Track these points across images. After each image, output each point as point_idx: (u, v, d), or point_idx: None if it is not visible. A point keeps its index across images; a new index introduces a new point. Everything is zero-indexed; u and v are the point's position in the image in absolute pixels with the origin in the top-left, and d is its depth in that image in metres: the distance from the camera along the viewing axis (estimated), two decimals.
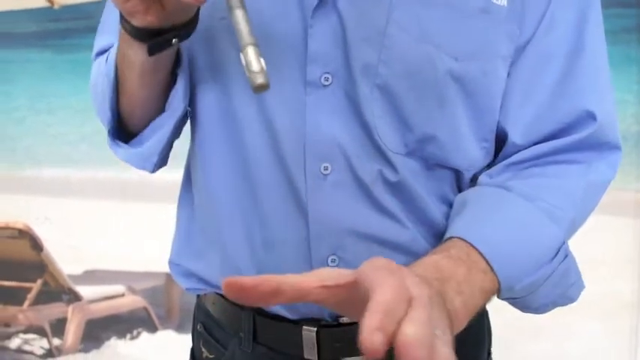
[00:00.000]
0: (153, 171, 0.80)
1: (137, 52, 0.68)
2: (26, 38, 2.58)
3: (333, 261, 0.72)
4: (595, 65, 0.74)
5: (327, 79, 0.69)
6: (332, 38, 0.69)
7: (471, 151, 0.73)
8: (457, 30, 0.69)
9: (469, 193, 0.73)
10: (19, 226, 2.57)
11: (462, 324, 0.56)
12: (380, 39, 0.68)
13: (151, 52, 0.67)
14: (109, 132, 0.78)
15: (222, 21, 0.70)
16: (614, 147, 0.75)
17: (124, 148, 0.78)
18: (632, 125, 1.97)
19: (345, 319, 0.74)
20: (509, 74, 0.72)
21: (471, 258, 0.62)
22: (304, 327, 0.75)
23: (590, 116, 0.72)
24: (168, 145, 0.79)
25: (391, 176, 0.71)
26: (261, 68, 0.51)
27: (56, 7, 2.51)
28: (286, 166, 0.71)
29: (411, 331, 0.41)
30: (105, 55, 0.78)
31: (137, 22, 0.64)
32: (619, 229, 2.01)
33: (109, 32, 0.80)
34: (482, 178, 0.74)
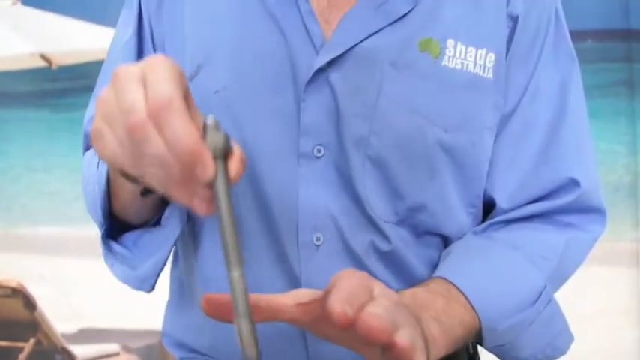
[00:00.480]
0: (150, 291, 0.76)
1: (129, 185, 0.65)
2: (23, 97, 2.60)
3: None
4: (577, 131, 0.76)
5: (319, 151, 0.70)
6: (325, 111, 0.70)
7: (460, 218, 0.74)
8: (446, 102, 0.70)
9: (453, 245, 0.74)
10: (13, 284, 2.55)
11: (439, 351, 0.56)
12: (371, 112, 0.69)
13: (144, 195, 0.65)
14: (102, 236, 0.74)
15: (216, 94, 0.71)
16: (598, 210, 0.77)
17: (119, 262, 0.74)
18: (623, 176, 1.99)
19: None
20: (494, 142, 0.74)
21: (451, 292, 0.63)
22: None
23: (574, 183, 0.74)
24: (164, 265, 0.75)
25: (383, 246, 0.71)
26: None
27: (54, 67, 2.55)
28: (278, 238, 0.71)
29: (375, 309, 0.45)
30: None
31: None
32: (617, 280, 2.01)
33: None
34: (467, 234, 0.75)
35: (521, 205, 0.75)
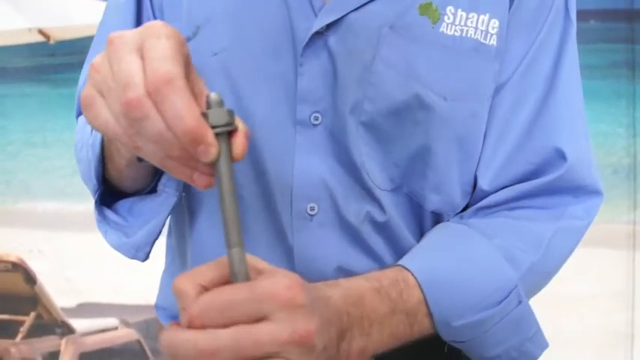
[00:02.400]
0: (144, 260, 0.75)
1: (124, 150, 0.64)
2: (21, 73, 2.59)
3: None
4: (568, 105, 0.73)
5: (316, 119, 0.69)
6: (322, 77, 0.68)
7: (453, 196, 0.72)
8: (446, 69, 0.68)
9: (432, 230, 0.72)
10: (13, 259, 2.55)
11: None
12: (367, 76, 0.67)
13: (141, 160, 0.63)
14: (95, 203, 0.73)
15: (215, 56, 0.70)
16: (592, 192, 0.73)
17: (114, 229, 0.73)
18: (622, 158, 1.98)
19: None
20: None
21: (408, 283, 0.62)
22: None
23: (560, 155, 0.70)
24: (159, 234, 0.74)
25: (379, 216, 0.70)
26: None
27: (52, 42, 2.53)
28: (273, 206, 0.70)
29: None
30: None
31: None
32: (613, 262, 2.02)
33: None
34: (453, 219, 0.73)
35: (505, 185, 0.71)
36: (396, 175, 0.70)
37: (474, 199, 0.73)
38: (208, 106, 0.45)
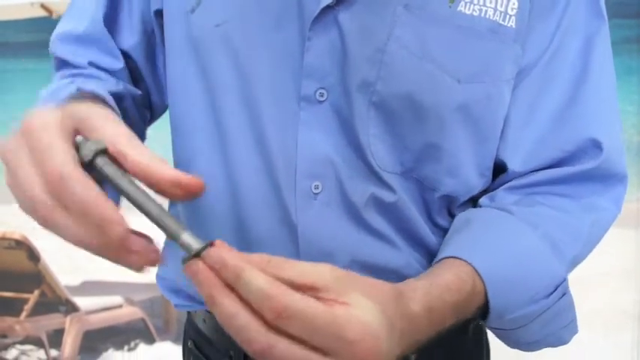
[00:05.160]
0: None
1: None
2: (24, 48, 2.58)
3: None
4: (601, 94, 0.71)
5: (321, 95, 0.67)
6: (330, 52, 0.66)
7: (470, 178, 0.70)
8: (462, 50, 0.66)
9: (472, 213, 0.71)
10: (17, 236, 2.56)
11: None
12: (380, 56, 0.65)
13: None
14: None
15: (217, 28, 0.68)
16: (621, 179, 0.72)
17: None
18: (633, 136, 1.97)
19: None
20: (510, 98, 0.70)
21: (476, 290, 0.61)
22: None
23: (596, 146, 0.70)
24: None
25: (385, 197, 0.68)
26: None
27: (55, 17, 2.51)
28: (276, 183, 0.68)
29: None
30: (68, 79, 0.72)
31: None
32: (621, 241, 2.01)
33: (79, 17, 0.77)
34: (483, 200, 0.72)
35: (537, 169, 0.71)
36: (407, 159, 0.68)
37: (503, 180, 0.72)
38: (77, 147, 0.47)
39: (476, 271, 0.61)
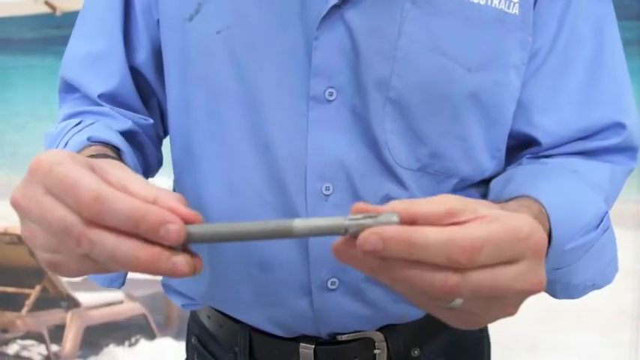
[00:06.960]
0: (121, 287, 0.74)
1: None
2: (28, 44, 2.58)
3: (332, 284, 0.70)
4: (617, 71, 0.74)
5: (331, 94, 0.67)
6: (338, 51, 0.66)
7: (482, 161, 0.72)
8: (469, 40, 0.68)
9: (510, 171, 0.73)
10: (18, 232, 2.56)
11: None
12: (392, 51, 0.66)
13: None
14: None
15: (218, 34, 0.68)
16: (636, 148, 0.76)
17: None
18: None
19: (342, 337, 0.73)
20: (529, 83, 0.72)
21: (539, 211, 0.61)
22: (302, 344, 0.73)
23: (619, 125, 0.73)
24: None
25: (399, 194, 0.69)
26: None
27: (58, 13, 2.52)
28: (284, 187, 0.68)
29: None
30: (77, 126, 0.69)
31: None
32: (620, 241, 2.01)
33: (96, 35, 0.76)
34: (509, 168, 0.74)
35: (565, 143, 0.74)
36: (423, 154, 0.69)
37: (529, 152, 0.75)
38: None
39: (537, 201, 0.62)
